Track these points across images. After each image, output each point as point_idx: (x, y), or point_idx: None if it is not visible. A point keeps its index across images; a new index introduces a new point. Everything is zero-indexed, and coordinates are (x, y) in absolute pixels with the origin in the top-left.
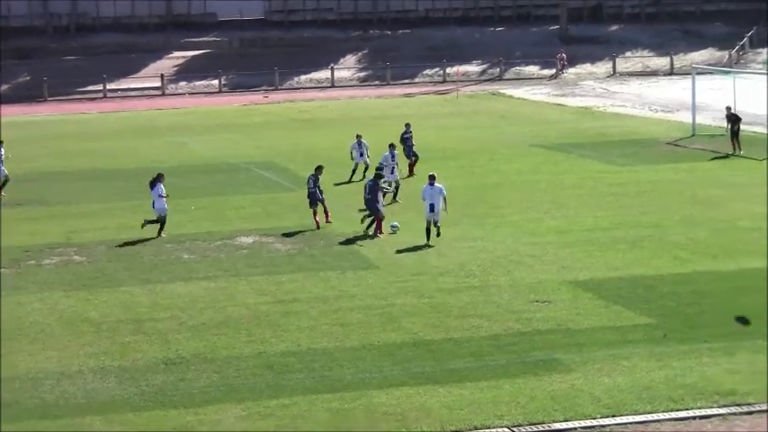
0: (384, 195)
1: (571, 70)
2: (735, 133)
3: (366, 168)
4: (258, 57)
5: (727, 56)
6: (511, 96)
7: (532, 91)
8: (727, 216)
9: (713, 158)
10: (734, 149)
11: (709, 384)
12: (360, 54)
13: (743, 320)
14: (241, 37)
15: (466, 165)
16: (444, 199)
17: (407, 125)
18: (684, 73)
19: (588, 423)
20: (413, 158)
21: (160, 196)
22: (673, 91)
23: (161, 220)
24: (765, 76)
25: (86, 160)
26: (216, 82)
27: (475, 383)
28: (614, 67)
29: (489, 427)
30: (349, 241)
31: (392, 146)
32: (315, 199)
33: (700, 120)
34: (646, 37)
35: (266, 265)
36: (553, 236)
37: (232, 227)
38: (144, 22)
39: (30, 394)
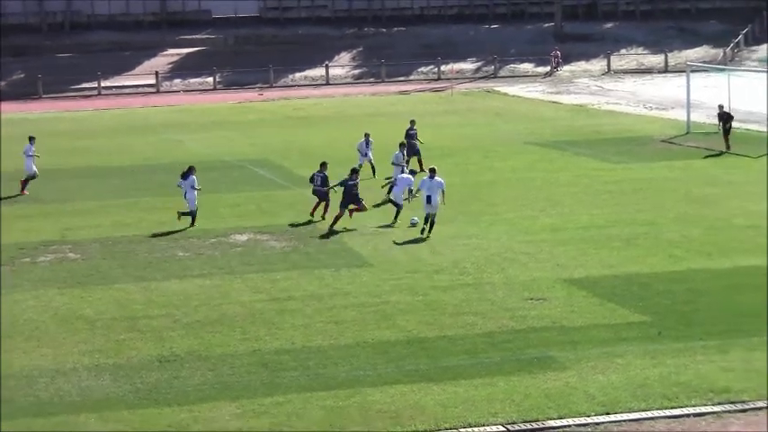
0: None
1: (566, 68)
2: (727, 131)
3: (373, 168)
4: (253, 54)
5: (721, 53)
6: (506, 94)
7: (527, 88)
8: (721, 214)
9: (708, 156)
10: (727, 147)
11: (703, 382)
12: (354, 51)
13: None
14: (236, 34)
15: (461, 162)
16: (443, 192)
17: (412, 122)
18: (679, 70)
19: (582, 421)
20: (417, 156)
21: (192, 188)
22: (667, 88)
23: (192, 213)
24: (760, 74)
25: (81, 158)
26: (210, 79)
27: (469, 381)
28: (609, 64)
29: (483, 425)
30: (343, 239)
31: (402, 145)
32: (322, 195)
33: (694, 117)
34: (640, 34)
35: (261, 262)
36: (548, 233)
37: (227, 224)
38: (139, 19)
39: (24, 392)
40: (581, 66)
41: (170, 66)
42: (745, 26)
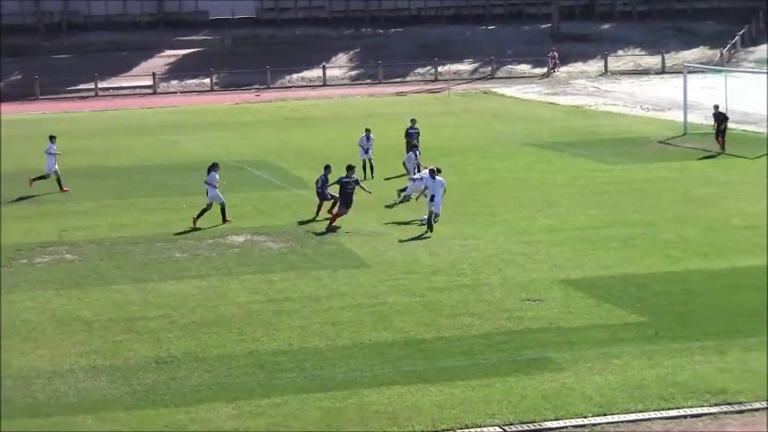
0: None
1: (563, 69)
2: (721, 132)
3: (372, 167)
4: (250, 55)
5: (718, 54)
6: (503, 95)
7: (524, 90)
8: (718, 214)
9: (704, 157)
10: (723, 148)
11: (700, 383)
12: (351, 53)
13: None
14: (233, 35)
15: (458, 163)
16: (444, 191)
17: (413, 121)
18: (676, 71)
19: (579, 422)
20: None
21: (209, 184)
22: (664, 89)
23: (209, 207)
24: (756, 75)
25: (78, 159)
26: (207, 80)
27: (466, 382)
28: (606, 65)
29: (480, 426)
30: (340, 240)
31: (414, 146)
32: (322, 197)
33: (691, 118)
34: (638, 35)
35: (258, 263)
36: (545, 234)
37: (224, 225)
38: (136, 20)
39: (21, 393)
40: (578, 67)
41: (167, 67)
42: (742, 27)
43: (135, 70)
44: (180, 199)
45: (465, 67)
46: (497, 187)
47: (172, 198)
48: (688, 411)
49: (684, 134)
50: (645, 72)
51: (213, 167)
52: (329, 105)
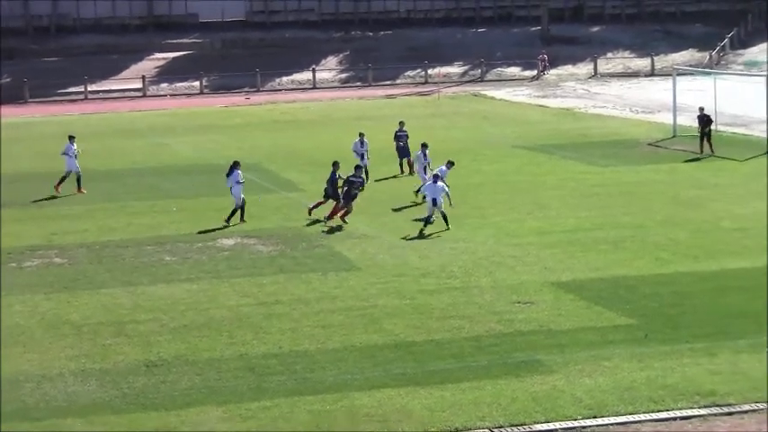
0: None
1: (552, 71)
2: (706, 135)
3: (366, 172)
4: (240, 58)
5: (707, 57)
6: (492, 98)
7: (514, 92)
8: (708, 217)
9: (694, 159)
10: (701, 151)
11: (690, 385)
12: (341, 55)
13: None
14: (222, 38)
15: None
16: (447, 195)
17: (401, 123)
18: (665, 74)
19: (569, 424)
20: (407, 158)
21: (237, 182)
22: (654, 92)
23: (238, 207)
24: (745, 77)
25: None
26: (197, 83)
27: (456, 385)
28: (595, 68)
29: (470, 429)
30: (330, 243)
31: (424, 145)
32: (326, 195)
33: (680, 121)
34: (627, 38)
35: (248, 266)
36: (535, 237)
37: (214, 229)
38: (125, 23)
39: (10, 397)
40: (568, 69)
41: (157, 70)
42: (731, 29)
43: (125, 73)
44: (169, 202)
45: (455, 69)
46: (487, 190)
47: (161, 201)
48: (678, 413)
49: (674, 136)
50: (634, 74)
51: (236, 165)
52: (319, 108)
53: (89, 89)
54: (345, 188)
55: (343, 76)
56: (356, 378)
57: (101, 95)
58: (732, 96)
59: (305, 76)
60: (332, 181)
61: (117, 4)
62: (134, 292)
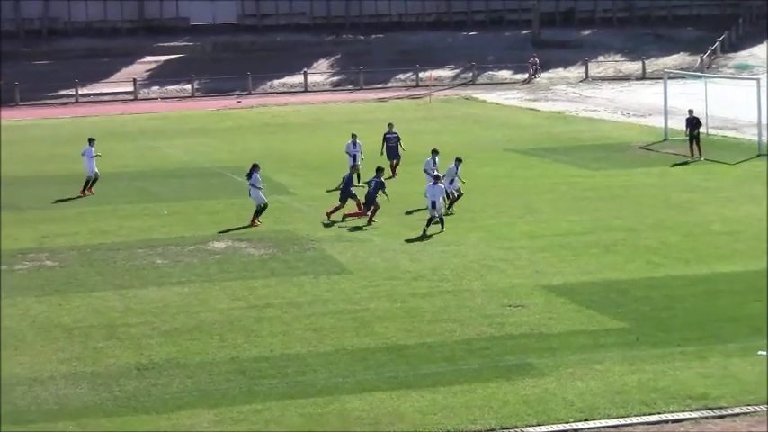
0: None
1: (544, 75)
2: (695, 138)
3: (358, 175)
4: (231, 61)
5: (698, 60)
6: (484, 101)
7: (505, 96)
8: (699, 220)
9: (685, 163)
10: (692, 154)
11: (681, 388)
12: (333, 59)
13: None
14: (214, 41)
15: (439, 169)
16: (447, 194)
17: (390, 125)
18: (656, 77)
19: (561, 427)
20: (395, 160)
21: (253, 186)
22: (645, 95)
23: (258, 209)
24: (736, 81)
25: (59, 165)
26: (189, 86)
27: (448, 388)
28: (587, 71)
29: None
30: (322, 246)
31: (434, 151)
32: (351, 197)
33: (672, 124)
34: (618, 41)
35: (239, 270)
36: (526, 240)
37: (205, 232)
38: (116, 26)
39: (2, 400)
40: (559, 73)
41: (148, 73)
42: (722, 33)
43: (115, 76)
44: (161, 205)
45: (446, 73)
46: (478, 193)
47: (153, 204)
48: (669, 416)
49: (665, 140)
50: (625, 78)
51: (255, 168)
52: (310, 111)
53: (80, 92)
54: (371, 189)
55: (335, 79)
56: (348, 381)
57: (92, 98)
58: (723, 100)
59: (296, 79)
60: (347, 182)
61: (108, 7)
62: (125, 295)
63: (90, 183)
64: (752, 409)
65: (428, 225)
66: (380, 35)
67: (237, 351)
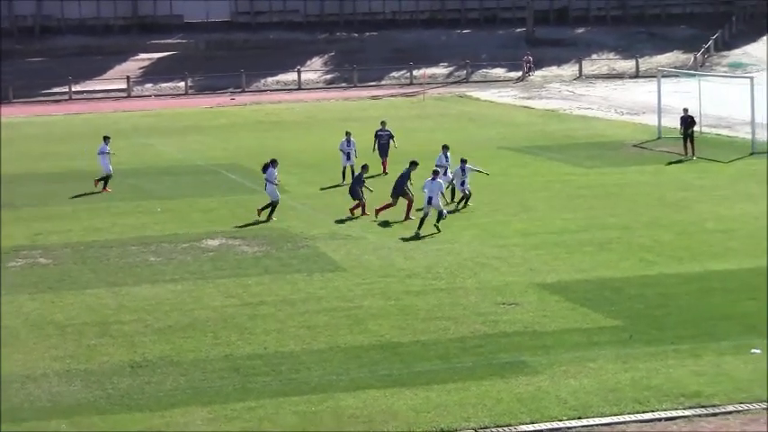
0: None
1: (538, 73)
2: (689, 136)
3: (353, 173)
4: (224, 59)
5: (692, 59)
6: (478, 99)
7: (499, 93)
8: (693, 218)
9: (679, 161)
10: (686, 152)
11: (674, 386)
12: (326, 56)
13: None
14: (207, 39)
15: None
16: (443, 194)
17: (383, 123)
18: (650, 76)
19: (554, 425)
20: (385, 156)
21: (268, 181)
22: (638, 93)
23: (272, 204)
24: (730, 79)
25: (52, 162)
26: (182, 84)
27: (442, 386)
28: (580, 69)
29: (456, 430)
30: (315, 244)
31: (445, 147)
32: (356, 196)
33: (665, 122)
34: (612, 39)
35: (233, 267)
36: (520, 238)
37: (198, 229)
38: (109, 23)
39: (1, 398)
40: (553, 71)
41: (141, 70)
42: (716, 31)
43: (109, 74)
44: (154, 203)
45: (440, 70)
46: (473, 191)
47: (146, 202)
48: (662, 414)
49: (659, 138)
50: (619, 76)
51: (272, 163)
52: (304, 109)
53: (73, 90)
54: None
55: (329, 77)
56: (341, 379)
57: (85, 96)
58: (716, 98)
59: (290, 77)
60: (356, 180)
61: (101, 4)
62: (119, 292)
63: (106, 180)
64: (745, 407)
65: (421, 223)
66: (374, 33)
67: (231, 349)
